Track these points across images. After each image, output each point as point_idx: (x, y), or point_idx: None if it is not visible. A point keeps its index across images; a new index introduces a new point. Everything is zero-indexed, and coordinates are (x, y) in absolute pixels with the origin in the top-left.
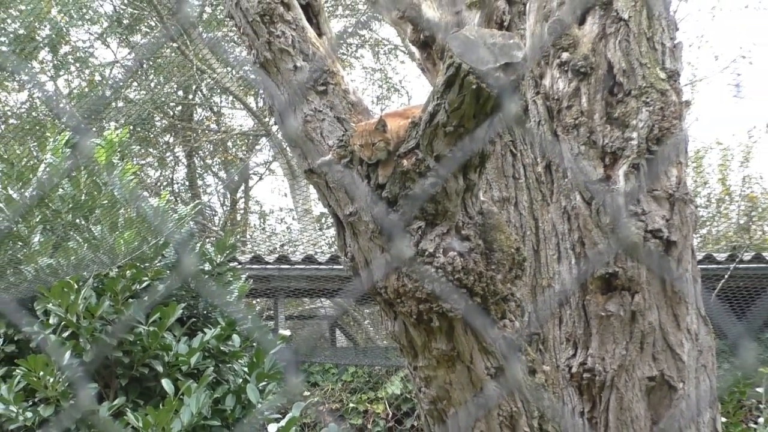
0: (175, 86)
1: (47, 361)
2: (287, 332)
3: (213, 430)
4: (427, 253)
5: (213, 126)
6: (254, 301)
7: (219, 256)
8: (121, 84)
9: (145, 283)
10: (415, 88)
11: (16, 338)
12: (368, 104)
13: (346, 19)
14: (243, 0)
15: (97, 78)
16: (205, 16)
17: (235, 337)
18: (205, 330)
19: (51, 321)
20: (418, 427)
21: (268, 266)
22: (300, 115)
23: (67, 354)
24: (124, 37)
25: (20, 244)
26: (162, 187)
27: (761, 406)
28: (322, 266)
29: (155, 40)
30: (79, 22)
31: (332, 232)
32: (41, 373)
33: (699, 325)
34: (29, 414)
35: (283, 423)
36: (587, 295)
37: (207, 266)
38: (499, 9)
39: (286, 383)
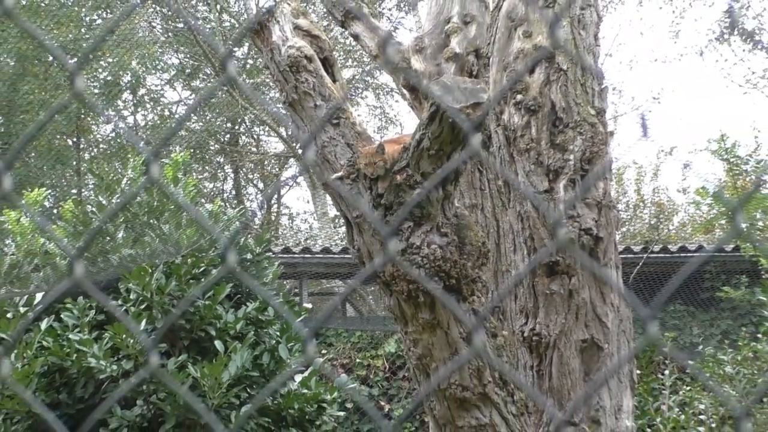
0: (225, 119)
1: (126, 329)
2: (309, 305)
3: (253, 380)
4: (414, 245)
5: (253, 149)
6: (284, 282)
7: (258, 247)
8: (184, 118)
9: (202, 268)
10: (406, 121)
11: (105, 309)
12: (371, 133)
13: (354, 69)
14: (276, 55)
15: (166, 113)
16: (248, 66)
17: (270, 309)
18: (247, 303)
19: (131, 297)
20: (408, 377)
21: (295, 256)
22: (319, 142)
23: (143, 322)
24: (187, 82)
25: (108, 238)
26: (215, 196)
27: (666, 362)
28: (336, 256)
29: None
30: (153, 71)
31: (344, 230)
32: (124, 336)
33: (620, 301)
34: (114, 367)
35: (306, 374)
36: (536, 278)
37: (249, 255)
38: (469, 62)
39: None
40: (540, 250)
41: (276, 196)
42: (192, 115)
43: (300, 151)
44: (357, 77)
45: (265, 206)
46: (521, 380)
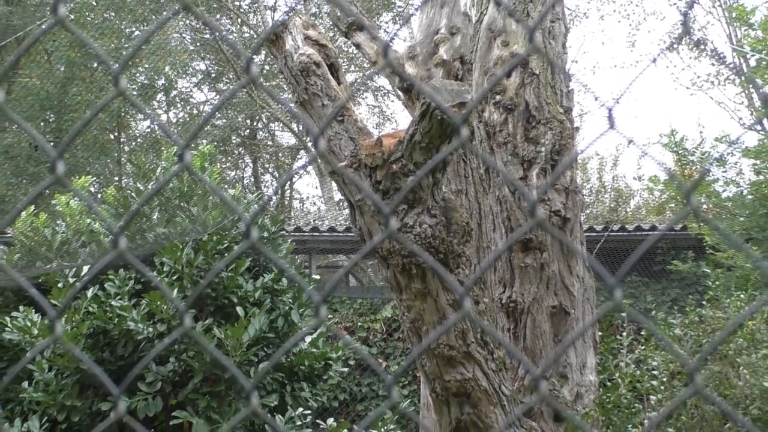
0: (245, 116)
1: (161, 296)
2: (317, 277)
3: (269, 340)
4: (408, 225)
5: (269, 142)
6: (296, 257)
7: (273, 227)
8: (211, 114)
9: (225, 245)
10: (401, 119)
11: (141, 280)
12: (370, 129)
13: (356, 73)
14: (289, 61)
15: (195, 112)
16: (264, 71)
17: (284, 280)
18: (264, 275)
19: (164, 269)
20: (403, 338)
21: (305, 234)
22: (326, 135)
23: (175, 291)
24: (212, 85)
25: (145, 219)
26: (236, 182)
27: (624, 325)
28: (340, 234)
29: (233, 87)
30: (183, 75)
31: (347, 212)
32: (158, 303)
33: (584, 273)
34: (150, 329)
35: (315, 335)
36: (512, 253)
37: (265, 233)
38: (455, 67)
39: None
40: (517, 229)
41: (288, 183)
42: (216, 112)
43: (310, 144)
44: (358, 80)
45: (279, 192)
46: (502, 338)
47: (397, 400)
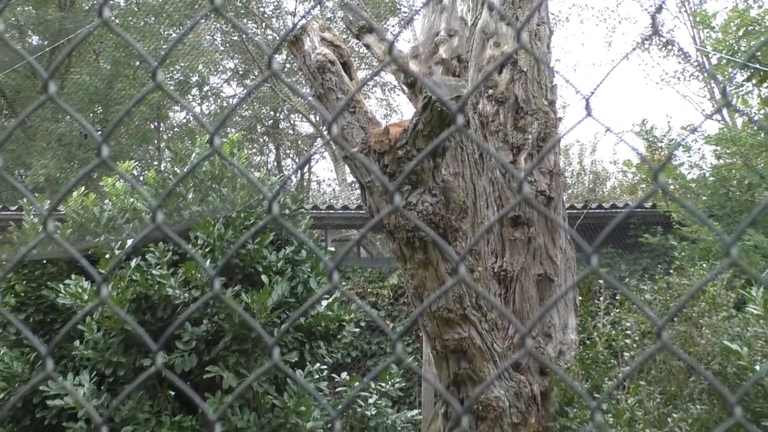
0: (269, 108)
1: (196, 266)
2: (332, 249)
3: (290, 305)
4: (412, 203)
5: (290, 131)
6: (313, 231)
7: (293, 205)
8: (237, 105)
9: (252, 221)
10: (406, 110)
11: (178, 251)
12: (379, 119)
13: (367, 71)
14: (307, 59)
15: (224, 105)
16: (286, 68)
17: (303, 251)
18: (286, 247)
19: (198, 243)
20: (407, 303)
21: (321, 211)
22: (340, 125)
23: (208, 261)
24: (240, 81)
25: (181, 198)
26: (261, 166)
27: (601, 290)
28: (352, 211)
29: (257, 81)
30: (214, 72)
31: (359, 192)
32: (193, 272)
33: (566, 245)
34: (186, 295)
35: (330, 300)
36: (503, 228)
37: (287, 211)
38: (453, 65)
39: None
40: (507, 205)
41: (307, 167)
42: (244, 104)
43: (325, 132)
44: (368, 75)
45: (298, 173)
46: (494, 301)
47: (400, 355)
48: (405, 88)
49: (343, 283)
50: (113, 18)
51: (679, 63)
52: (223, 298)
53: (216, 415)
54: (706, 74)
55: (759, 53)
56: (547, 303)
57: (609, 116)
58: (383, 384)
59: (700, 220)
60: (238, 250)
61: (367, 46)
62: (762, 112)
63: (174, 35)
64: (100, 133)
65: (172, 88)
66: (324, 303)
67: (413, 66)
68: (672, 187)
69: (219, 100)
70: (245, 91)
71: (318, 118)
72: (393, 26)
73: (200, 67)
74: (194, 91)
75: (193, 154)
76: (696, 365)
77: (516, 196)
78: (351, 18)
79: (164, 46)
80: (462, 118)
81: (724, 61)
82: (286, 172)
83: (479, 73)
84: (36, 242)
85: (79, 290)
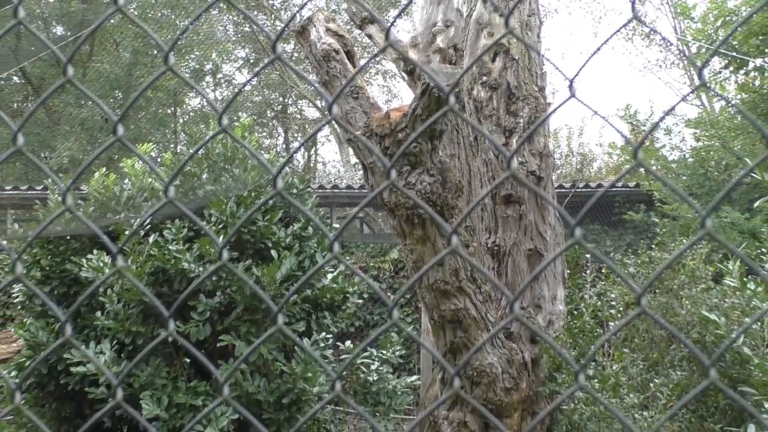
0: (278, 94)
1: (210, 241)
2: (337, 225)
3: (298, 278)
4: (411, 183)
5: (297, 116)
6: (319, 209)
7: (301, 185)
8: (244, 86)
9: (262, 200)
10: (405, 96)
11: (193, 227)
12: (380, 105)
13: (368, 57)
14: (313, 48)
15: (236, 91)
16: (294, 57)
17: (310, 228)
18: (294, 224)
19: (212, 220)
20: (407, 276)
21: (327, 191)
22: (344, 110)
23: (221, 237)
24: (251, 69)
25: (196, 179)
26: (270, 149)
27: (588, 264)
28: (355, 191)
29: (264, 65)
30: (227, 61)
31: (361, 173)
32: (207, 247)
33: (555, 222)
34: (201, 269)
35: (335, 273)
36: (496, 205)
37: (294, 190)
38: (449, 54)
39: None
40: (499, 181)
41: (313, 149)
42: (254, 91)
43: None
44: (369, 58)
45: (305, 155)
46: (486, 271)
47: (396, 320)
48: (405, 75)
49: (347, 258)
50: (132, 10)
51: (661, 52)
52: (230, 266)
53: (224, 377)
54: (685, 62)
55: (735, 42)
56: (536, 274)
57: (595, 102)
58: (384, 352)
59: (677, 193)
60: (249, 227)
61: (369, 36)
62: (738, 97)
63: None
64: (117, 115)
65: (187, 75)
66: (329, 276)
67: (412, 55)
68: (654, 167)
69: (231, 87)
70: (256, 79)
71: (324, 104)
72: (394, 18)
73: (214, 56)
74: (208, 78)
75: (207, 137)
76: (673, 330)
77: (506, 170)
78: (354, 10)
79: (181, 37)
80: (455, 99)
81: (703, 49)
82: (293, 154)
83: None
84: (57, 215)
85: (101, 264)
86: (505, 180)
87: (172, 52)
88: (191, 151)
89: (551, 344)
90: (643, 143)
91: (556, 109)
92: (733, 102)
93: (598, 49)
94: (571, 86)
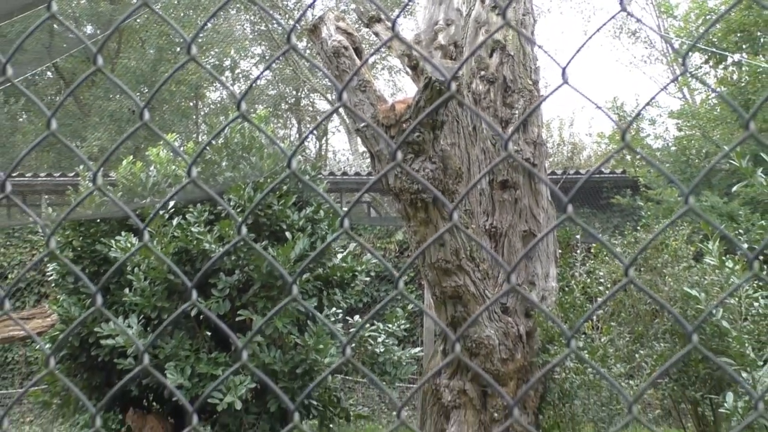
0: (291, 88)
1: (230, 224)
2: (348, 223)
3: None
4: (415, 169)
5: (310, 108)
6: (330, 195)
7: (313, 171)
8: (264, 87)
9: (278, 179)
10: (409, 89)
11: (214, 211)
12: (386, 97)
13: (375, 55)
14: (324, 45)
15: (253, 85)
16: (307, 53)
17: (321, 211)
18: (306, 208)
19: (231, 204)
20: (411, 255)
21: (337, 177)
22: (353, 102)
23: (240, 218)
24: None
25: (216, 166)
26: (284, 139)
27: (578, 244)
28: (363, 177)
29: (279, 54)
30: (244, 57)
31: (368, 161)
32: (227, 229)
33: (548, 205)
34: (220, 249)
35: (345, 253)
36: (493, 190)
37: (306, 176)
38: (450, 50)
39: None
40: (497, 171)
41: (324, 138)
42: (270, 85)
43: (341, 110)
44: (377, 54)
45: (317, 144)
46: (485, 246)
47: (402, 289)
48: (409, 70)
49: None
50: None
51: (646, 48)
52: (248, 240)
53: (243, 344)
54: (669, 57)
55: (715, 39)
56: (531, 253)
57: (585, 94)
58: (390, 325)
59: (659, 171)
60: (265, 210)
61: (376, 34)
62: (719, 89)
63: (209, 25)
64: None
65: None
66: (339, 256)
67: (416, 52)
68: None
69: (249, 82)
70: (271, 74)
71: (334, 96)
72: (398, 13)
73: (232, 52)
74: (227, 73)
75: (226, 128)
76: (657, 298)
77: (504, 162)
78: (362, 9)
79: (201, 35)
80: (455, 85)
81: (685, 45)
82: (306, 143)
83: (473, 58)
84: (88, 193)
85: (128, 245)
86: (502, 164)
87: (194, 45)
88: (212, 138)
89: (545, 312)
90: (631, 126)
91: (550, 94)
92: (713, 88)
93: (590, 37)
94: (563, 73)
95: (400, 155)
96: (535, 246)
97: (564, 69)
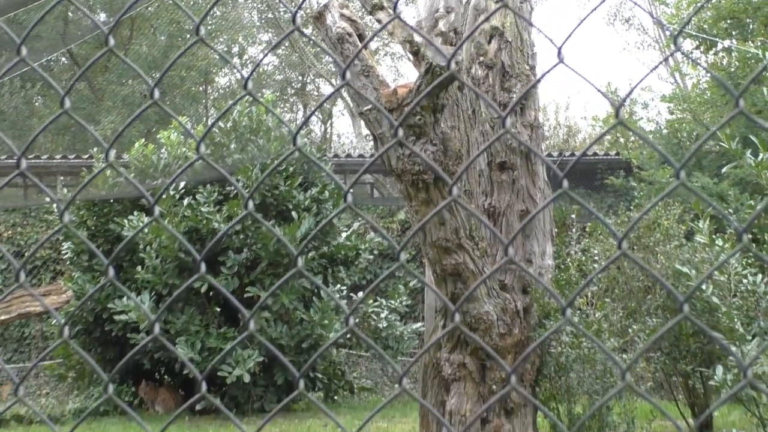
0: (297, 73)
1: (238, 203)
2: (351, 198)
3: (315, 236)
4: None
5: (315, 93)
6: (336, 175)
7: (318, 153)
8: (271, 73)
9: (283, 166)
10: (411, 74)
11: (223, 192)
12: (389, 82)
13: (378, 42)
14: (329, 32)
15: (260, 70)
16: (312, 39)
17: (326, 192)
18: (312, 188)
19: (240, 185)
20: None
21: (341, 159)
22: (356, 86)
23: (250, 204)
24: (274, 51)
25: (224, 148)
26: (291, 122)
27: (573, 224)
28: (366, 158)
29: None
30: (252, 44)
31: (372, 143)
32: (235, 209)
33: (544, 185)
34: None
35: (349, 232)
36: (492, 171)
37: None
38: (450, 37)
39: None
40: (494, 152)
41: (329, 121)
42: (276, 71)
43: (345, 94)
44: (378, 39)
45: (322, 127)
46: (486, 221)
47: (403, 261)
48: (410, 56)
49: (359, 218)
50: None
51: (639, 35)
52: (253, 215)
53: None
54: (661, 44)
55: (706, 26)
56: (528, 230)
57: (578, 80)
58: (393, 301)
59: (649, 144)
60: (272, 191)
61: (379, 21)
62: (709, 75)
63: (218, 12)
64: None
65: (216, 58)
66: (343, 235)
67: (417, 38)
68: (632, 138)
69: (256, 67)
70: (278, 61)
71: (337, 82)
72: (398, 5)
73: (240, 39)
74: (235, 59)
75: (235, 111)
76: (651, 271)
77: (502, 144)
78: None
79: (210, 22)
80: (455, 64)
81: (677, 32)
82: (311, 126)
83: (472, 43)
84: (102, 168)
85: (140, 224)
86: (501, 146)
87: (203, 28)
88: (221, 123)
89: (539, 282)
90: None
91: (547, 72)
92: (705, 67)
93: (587, 15)
94: (559, 53)
95: (401, 132)
96: (532, 221)
97: (560, 49)
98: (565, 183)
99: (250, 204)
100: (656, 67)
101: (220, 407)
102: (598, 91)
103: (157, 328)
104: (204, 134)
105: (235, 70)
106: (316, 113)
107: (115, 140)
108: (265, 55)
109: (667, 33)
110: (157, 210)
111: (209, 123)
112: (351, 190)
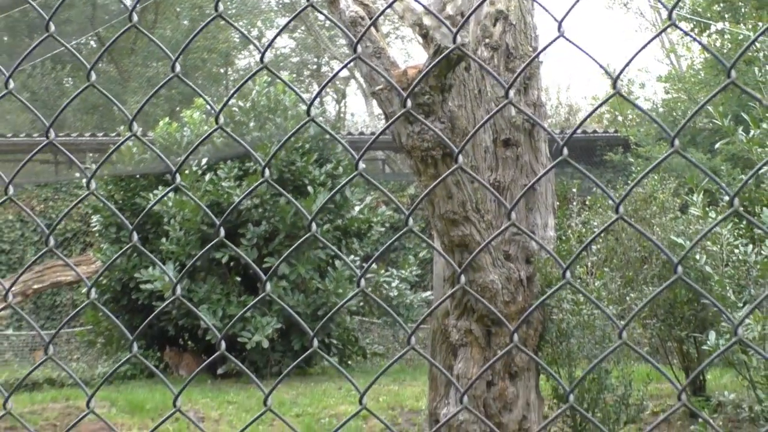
0: (312, 55)
1: (258, 178)
2: (363, 165)
3: (329, 210)
4: (425, 129)
5: (330, 74)
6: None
7: (333, 131)
8: (288, 55)
9: (300, 143)
10: (420, 56)
11: (243, 167)
12: (399, 63)
13: (390, 25)
14: (343, 15)
15: (278, 53)
16: (326, 24)
17: (340, 168)
18: (327, 164)
19: (259, 159)
20: (421, 207)
21: (354, 136)
22: (368, 68)
23: (266, 172)
24: (290, 34)
25: (244, 126)
26: (307, 101)
27: (574, 198)
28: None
29: (303, 35)
30: (270, 28)
31: (383, 121)
32: (254, 183)
33: (546, 161)
34: (249, 202)
35: (362, 205)
36: (497, 148)
37: (327, 136)
38: (457, 20)
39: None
40: (498, 130)
41: (344, 101)
42: (293, 53)
43: (358, 74)
44: (389, 24)
45: (336, 107)
46: (492, 190)
47: (411, 226)
48: (420, 38)
49: (372, 192)
50: None
51: (636, 19)
52: (270, 182)
53: (267, 276)
54: (657, 27)
55: (700, 9)
56: (531, 203)
57: (577, 62)
58: (403, 271)
59: (643, 113)
60: (289, 167)
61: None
62: (701, 57)
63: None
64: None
65: (236, 41)
66: (356, 208)
67: (426, 20)
68: (630, 116)
69: (273, 50)
70: (295, 43)
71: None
72: None
73: (258, 23)
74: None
75: (253, 92)
76: (646, 234)
77: (506, 122)
78: None
79: (231, 7)
80: (460, 39)
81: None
82: (326, 106)
83: (479, 26)
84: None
85: (165, 198)
86: (505, 124)
87: (221, 4)
88: (240, 103)
89: (542, 245)
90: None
91: (549, 45)
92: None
93: None
94: (560, 27)
95: (410, 102)
96: (535, 195)
97: (560, 22)
98: (565, 150)
99: (266, 172)
100: (653, 39)
101: (239, 365)
102: (597, 63)
103: (179, 290)
104: (222, 105)
105: (252, 47)
106: (332, 93)
107: (138, 112)
108: (281, 31)
109: (664, 14)
110: (178, 177)
111: (230, 103)
112: (362, 160)
